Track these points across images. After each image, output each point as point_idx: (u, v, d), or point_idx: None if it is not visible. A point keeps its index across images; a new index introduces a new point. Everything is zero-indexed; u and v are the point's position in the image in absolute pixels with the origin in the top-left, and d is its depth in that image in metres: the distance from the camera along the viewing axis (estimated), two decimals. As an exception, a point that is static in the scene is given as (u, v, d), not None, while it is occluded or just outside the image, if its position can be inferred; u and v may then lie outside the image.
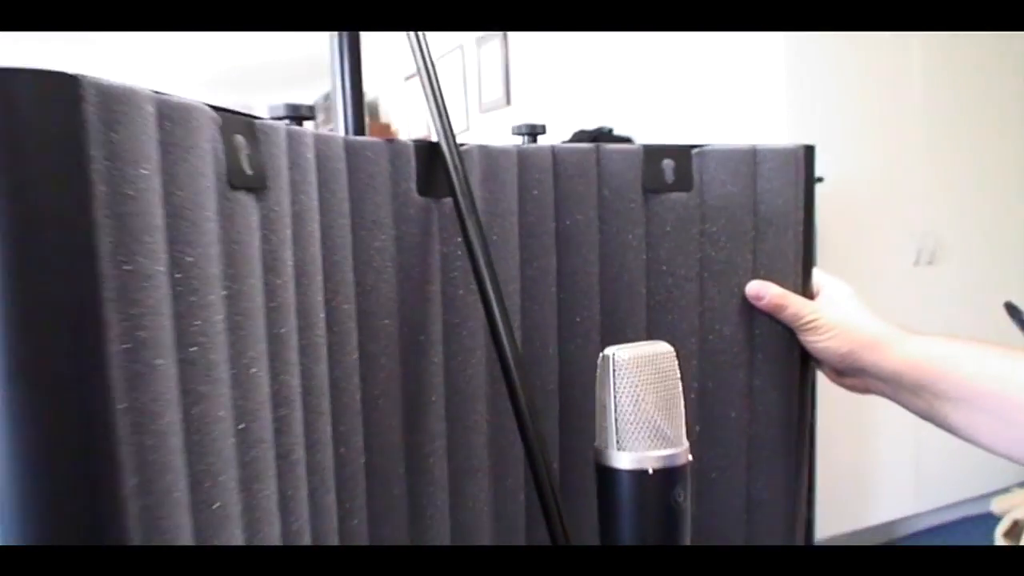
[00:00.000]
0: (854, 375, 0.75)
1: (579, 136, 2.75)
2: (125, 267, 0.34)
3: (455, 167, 0.60)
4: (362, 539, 0.58)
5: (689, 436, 0.71)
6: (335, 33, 0.75)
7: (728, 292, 0.74)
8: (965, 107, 2.47)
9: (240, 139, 0.44)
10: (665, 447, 0.48)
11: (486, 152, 0.65)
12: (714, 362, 0.74)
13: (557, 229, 0.70)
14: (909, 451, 2.45)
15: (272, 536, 0.46)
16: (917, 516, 2.55)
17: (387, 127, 4.70)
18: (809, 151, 0.75)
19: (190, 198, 0.39)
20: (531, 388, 0.58)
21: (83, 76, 0.31)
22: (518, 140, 0.71)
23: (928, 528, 2.58)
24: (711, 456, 0.76)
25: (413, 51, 0.65)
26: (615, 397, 0.48)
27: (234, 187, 0.43)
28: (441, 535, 0.64)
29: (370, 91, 4.83)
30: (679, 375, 0.50)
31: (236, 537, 0.41)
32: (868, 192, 2.33)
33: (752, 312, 0.74)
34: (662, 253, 0.72)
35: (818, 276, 0.78)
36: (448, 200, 0.62)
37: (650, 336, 0.73)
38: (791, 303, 0.73)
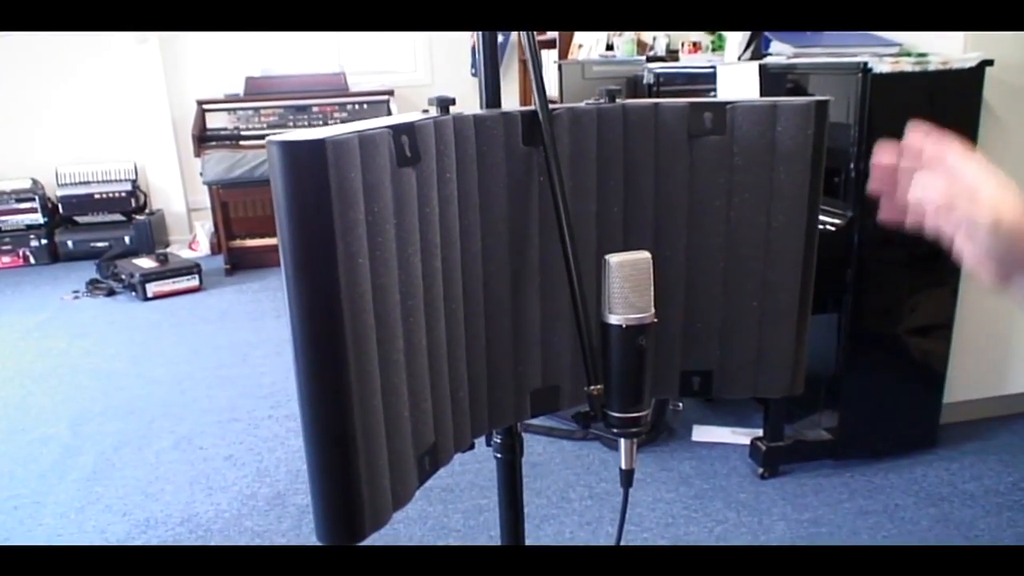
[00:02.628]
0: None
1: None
2: (346, 217, 0.74)
3: (544, 125, 0.95)
4: (480, 355, 0.98)
5: (716, 304, 1.07)
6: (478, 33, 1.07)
7: (749, 206, 1.04)
8: None
9: (404, 137, 0.81)
10: (634, 313, 0.83)
11: (572, 112, 0.99)
12: (737, 254, 1.06)
13: (624, 162, 1.03)
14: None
15: (420, 343, 0.87)
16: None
17: None
18: (821, 106, 1.02)
19: (376, 176, 0.77)
20: (582, 270, 0.95)
21: (327, 138, 0.70)
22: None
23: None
24: (735, 318, 1.09)
25: (522, 41, 0.99)
26: (608, 283, 0.84)
27: (400, 165, 0.81)
28: (534, 355, 1.03)
29: None
30: (651, 270, 0.85)
31: (399, 338, 0.83)
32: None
33: (767, 220, 1.04)
34: (701, 178, 1.04)
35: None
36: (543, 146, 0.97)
37: (689, 235, 1.06)
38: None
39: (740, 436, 2.64)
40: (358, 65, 5.98)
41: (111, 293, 4.62)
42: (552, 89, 5.11)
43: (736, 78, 2.70)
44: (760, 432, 2.51)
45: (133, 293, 4.53)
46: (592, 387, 0.90)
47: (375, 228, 0.78)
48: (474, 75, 6.07)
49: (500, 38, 6.02)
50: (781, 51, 2.56)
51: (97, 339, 3.89)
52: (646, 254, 0.85)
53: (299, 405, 0.77)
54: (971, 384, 2.54)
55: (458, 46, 6.06)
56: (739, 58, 2.88)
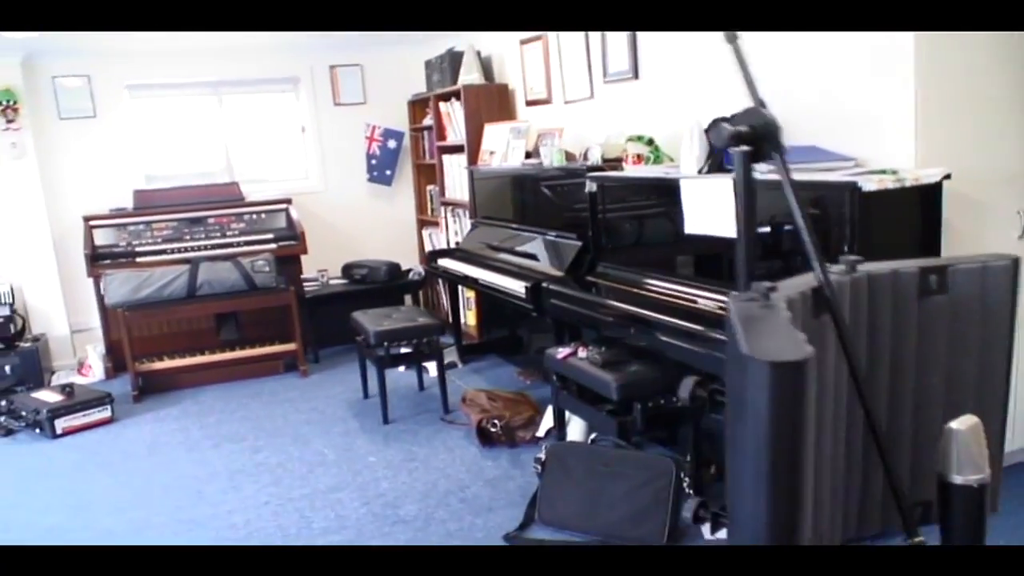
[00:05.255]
0: None
1: (717, 121, 3.12)
2: (810, 403, 0.80)
3: (831, 301, 1.05)
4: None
5: (935, 443, 1.17)
6: None
7: (962, 355, 1.18)
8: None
9: (817, 295, 0.89)
10: (979, 473, 0.94)
11: (840, 284, 1.10)
12: (954, 399, 1.19)
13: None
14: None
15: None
16: None
17: (505, 87, 5.07)
18: (1016, 264, 1.19)
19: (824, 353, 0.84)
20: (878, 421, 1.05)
21: (805, 359, 0.77)
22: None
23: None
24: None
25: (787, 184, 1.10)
26: (956, 449, 0.94)
27: (815, 316, 0.88)
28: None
29: (485, 50, 5.17)
30: (984, 434, 0.96)
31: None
32: (982, 182, 2.69)
33: (978, 367, 1.18)
34: (928, 332, 1.17)
35: None
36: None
37: (916, 382, 1.18)
38: None
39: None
40: (246, 174, 5.87)
41: (8, 433, 4.22)
42: (462, 192, 5.23)
43: (704, 192, 2.90)
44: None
45: (38, 431, 4.15)
46: (913, 539, 0.99)
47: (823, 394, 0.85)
48: (370, 180, 6.10)
49: (393, 144, 6.09)
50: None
51: (16, 489, 3.54)
52: (976, 419, 0.96)
53: None
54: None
55: (351, 153, 6.08)
56: (699, 171, 3.10)
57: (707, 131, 3.13)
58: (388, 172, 6.06)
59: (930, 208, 2.53)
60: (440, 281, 5.85)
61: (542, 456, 2.97)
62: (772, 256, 2.72)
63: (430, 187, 6.00)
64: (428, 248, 6.04)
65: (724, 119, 1.36)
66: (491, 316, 5.22)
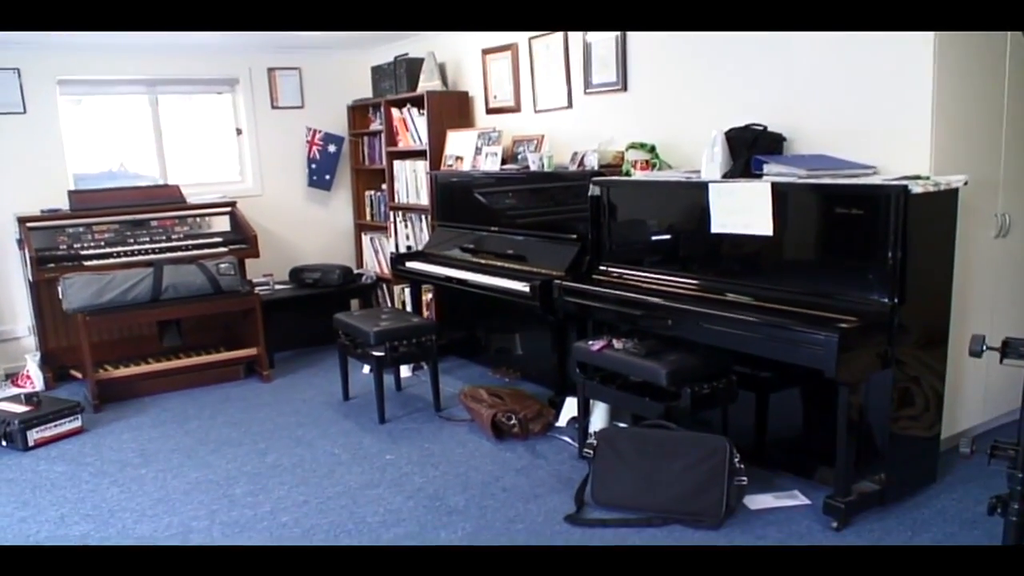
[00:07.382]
0: None
1: (733, 133, 3.42)
2: None
3: None
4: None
5: None
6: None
7: None
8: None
9: None
10: None
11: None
12: None
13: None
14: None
15: None
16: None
17: (465, 94, 5.21)
18: None
19: None
20: None
21: None
22: None
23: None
24: None
25: None
26: None
27: None
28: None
29: (441, 56, 5.29)
30: None
31: None
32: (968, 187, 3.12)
33: None
34: None
35: None
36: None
37: None
38: None
39: (783, 499, 3.08)
40: (181, 176, 5.67)
41: (-35, 447, 3.91)
42: (416, 197, 5.32)
43: (738, 197, 3.16)
44: (797, 492, 3.01)
45: (4, 443, 3.88)
46: None
47: None
48: (311, 185, 6.04)
49: (333, 148, 6.09)
50: (785, 172, 3.10)
51: (14, 502, 3.31)
52: None
53: None
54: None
55: (288, 156, 6.00)
56: (723, 176, 3.37)
57: None
58: (328, 177, 6.02)
59: (949, 211, 2.93)
60: (386, 285, 5.89)
61: (593, 441, 3.15)
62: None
63: (370, 192, 6.02)
64: (368, 252, 6.05)
65: None
66: (448, 318, 5.32)
